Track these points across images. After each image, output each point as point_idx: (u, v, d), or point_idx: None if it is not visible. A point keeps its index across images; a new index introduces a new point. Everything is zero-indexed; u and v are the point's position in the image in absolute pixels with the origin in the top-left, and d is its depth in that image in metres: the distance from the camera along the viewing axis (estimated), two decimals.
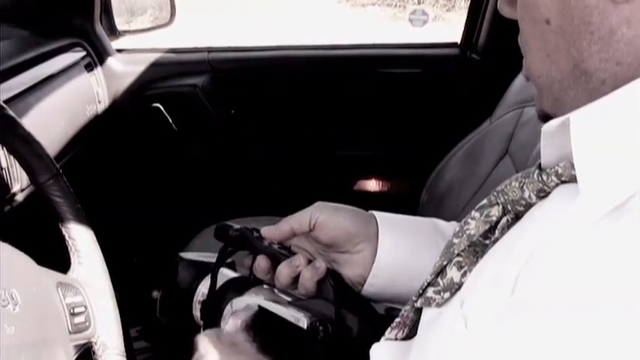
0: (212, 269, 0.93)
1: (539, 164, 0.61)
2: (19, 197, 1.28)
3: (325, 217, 0.87)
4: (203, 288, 0.94)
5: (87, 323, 0.84)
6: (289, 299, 0.87)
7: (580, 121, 0.51)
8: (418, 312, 0.73)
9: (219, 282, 0.93)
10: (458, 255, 0.67)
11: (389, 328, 0.76)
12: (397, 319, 0.75)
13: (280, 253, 0.88)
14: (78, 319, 0.83)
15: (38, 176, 0.90)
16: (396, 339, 0.75)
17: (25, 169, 0.91)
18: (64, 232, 0.90)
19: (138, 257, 1.79)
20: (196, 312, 0.94)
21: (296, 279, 0.87)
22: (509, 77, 1.57)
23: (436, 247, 0.86)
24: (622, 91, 0.50)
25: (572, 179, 0.54)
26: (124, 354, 0.88)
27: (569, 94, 0.55)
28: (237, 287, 0.91)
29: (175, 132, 1.86)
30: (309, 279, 0.85)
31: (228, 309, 0.88)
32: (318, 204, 0.90)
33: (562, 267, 0.46)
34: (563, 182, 0.57)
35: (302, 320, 0.81)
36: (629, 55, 0.50)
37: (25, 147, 0.90)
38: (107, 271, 0.91)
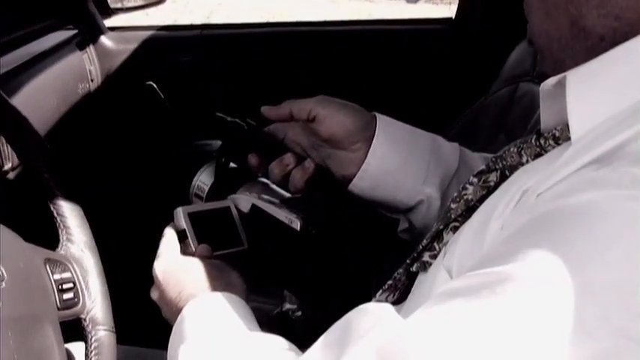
0: (217, 168, 0.96)
1: (539, 130, 0.62)
2: (11, 175, 1.27)
3: (327, 113, 0.87)
4: (199, 181, 0.96)
5: (76, 299, 0.84)
6: (284, 194, 0.90)
7: (576, 79, 0.52)
8: (411, 276, 0.73)
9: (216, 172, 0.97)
10: (455, 220, 0.68)
11: (380, 290, 0.76)
12: (389, 282, 0.75)
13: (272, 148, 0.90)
14: (66, 295, 0.83)
15: (25, 152, 0.89)
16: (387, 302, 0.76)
17: (12, 145, 0.90)
18: (52, 209, 0.89)
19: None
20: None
21: (287, 176, 0.88)
22: (503, 53, 1.56)
23: (426, 164, 0.87)
24: (619, 49, 0.50)
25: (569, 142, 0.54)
26: (114, 330, 0.88)
27: (568, 53, 0.55)
28: (234, 180, 0.94)
29: (169, 110, 1.85)
30: (298, 179, 0.87)
31: None
32: (322, 98, 0.90)
33: (543, 210, 0.46)
34: (559, 145, 0.57)
35: (295, 222, 0.83)
36: (627, 10, 0.50)
37: (11, 123, 0.89)
38: (96, 247, 0.91)
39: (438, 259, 0.66)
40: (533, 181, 0.53)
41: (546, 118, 0.60)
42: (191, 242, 0.86)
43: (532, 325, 0.40)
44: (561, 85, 0.54)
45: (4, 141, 1.23)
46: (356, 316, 0.52)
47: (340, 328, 0.52)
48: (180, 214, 0.88)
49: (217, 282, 0.78)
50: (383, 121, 0.88)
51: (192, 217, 0.88)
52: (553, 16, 0.55)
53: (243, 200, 0.90)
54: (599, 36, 0.52)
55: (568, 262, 0.40)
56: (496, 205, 0.57)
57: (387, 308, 0.51)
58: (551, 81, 0.56)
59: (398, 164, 0.86)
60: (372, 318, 0.50)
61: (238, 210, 0.90)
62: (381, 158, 0.86)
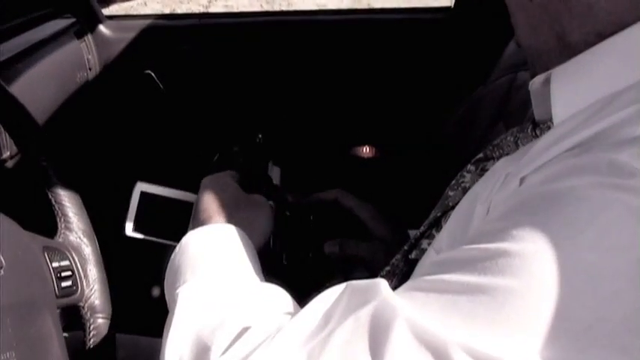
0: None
1: (534, 119, 0.64)
2: (9, 164, 1.27)
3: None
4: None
5: (74, 287, 0.84)
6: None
7: (560, 74, 0.54)
8: (409, 263, 0.73)
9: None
10: (452, 208, 0.68)
11: (377, 278, 0.76)
12: (387, 268, 0.76)
13: None
14: (65, 283, 0.83)
15: (23, 140, 0.89)
16: None
17: (10, 133, 0.90)
18: (50, 197, 0.89)
19: None
20: None
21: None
22: (502, 42, 1.56)
23: None
24: (598, 47, 0.52)
25: None
26: (112, 318, 0.88)
27: (556, 63, 0.57)
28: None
29: (167, 98, 1.84)
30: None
31: None
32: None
33: (528, 194, 0.48)
34: None
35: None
36: (610, 25, 0.52)
37: (9, 111, 0.89)
38: (94, 235, 0.91)
39: (431, 244, 0.67)
40: (515, 165, 0.55)
41: (539, 112, 0.62)
42: (128, 218, 0.87)
43: (510, 298, 0.42)
44: (549, 82, 0.56)
45: (2, 129, 1.23)
46: (348, 288, 0.52)
47: (333, 297, 0.53)
48: (136, 189, 0.90)
49: (241, 215, 0.79)
50: None
51: (145, 196, 0.89)
52: (539, 31, 0.57)
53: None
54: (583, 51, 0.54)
55: (547, 243, 0.42)
56: (482, 189, 0.59)
57: (380, 282, 0.51)
58: (538, 79, 0.58)
59: None
60: (364, 291, 0.50)
61: None
62: None
